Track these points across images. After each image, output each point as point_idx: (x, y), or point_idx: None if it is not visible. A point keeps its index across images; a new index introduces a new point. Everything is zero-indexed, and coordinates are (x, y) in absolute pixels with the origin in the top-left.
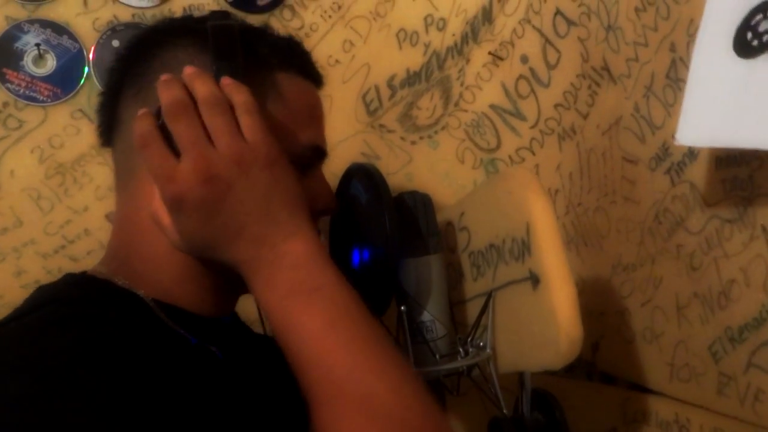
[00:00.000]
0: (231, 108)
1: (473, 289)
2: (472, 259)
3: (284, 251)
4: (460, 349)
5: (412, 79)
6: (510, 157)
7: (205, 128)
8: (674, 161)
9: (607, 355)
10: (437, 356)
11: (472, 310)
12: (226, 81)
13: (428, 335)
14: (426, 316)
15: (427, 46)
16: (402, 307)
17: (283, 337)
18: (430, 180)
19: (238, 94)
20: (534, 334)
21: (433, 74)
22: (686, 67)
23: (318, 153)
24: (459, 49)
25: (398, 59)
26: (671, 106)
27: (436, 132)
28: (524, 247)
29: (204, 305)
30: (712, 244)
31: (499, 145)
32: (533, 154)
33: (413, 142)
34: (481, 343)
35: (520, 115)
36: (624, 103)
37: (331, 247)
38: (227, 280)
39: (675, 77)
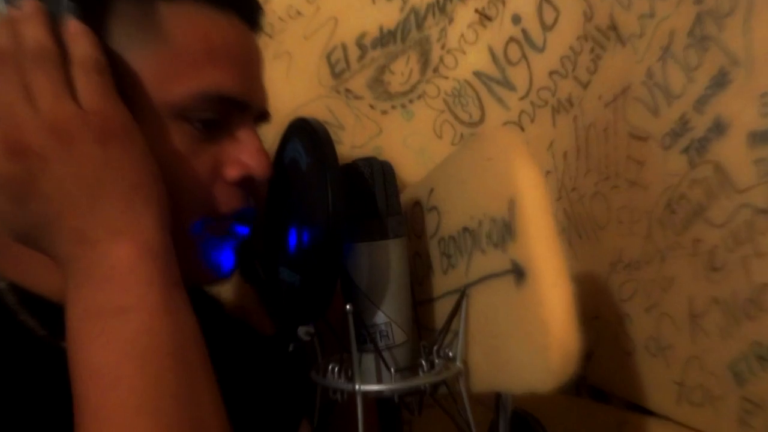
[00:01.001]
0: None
1: (443, 284)
2: (442, 247)
3: (103, 254)
4: (423, 362)
5: (385, 38)
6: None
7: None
8: (695, 137)
9: (600, 368)
10: (392, 370)
11: (441, 311)
12: (72, 26)
13: (382, 342)
14: (380, 318)
15: (404, 1)
16: (348, 306)
17: (71, 367)
18: (402, 156)
19: (77, 44)
20: (517, 344)
21: (410, 34)
22: (715, 22)
23: (226, 104)
24: (441, 6)
25: (371, 14)
26: (694, 70)
27: (411, 101)
28: (506, 231)
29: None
30: (740, 239)
31: (482, 119)
32: (522, 129)
33: (384, 112)
34: (450, 354)
35: (508, 84)
36: (634, 68)
37: (266, 228)
38: None
39: (700, 35)
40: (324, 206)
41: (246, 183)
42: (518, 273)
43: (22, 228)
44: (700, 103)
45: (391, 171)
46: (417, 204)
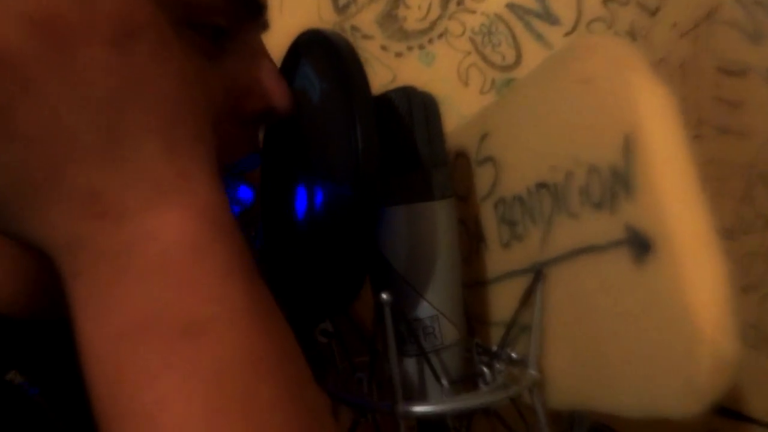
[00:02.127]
0: None
1: (503, 262)
2: (500, 212)
3: (142, 232)
4: (484, 369)
5: None
6: None
7: None
8: None
9: None
10: (443, 382)
11: (500, 298)
12: None
13: (428, 342)
14: (424, 310)
15: None
16: (383, 295)
17: (101, 419)
18: None
19: None
20: (634, 347)
21: None
22: None
23: (240, 1)
24: None
25: None
26: None
27: (430, 41)
28: (617, 183)
29: (10, 301)
30: None
31: (518, 61)
32: None
33: (398, 54)
34: (514, 355)
35: (550, 18)
36: None
37: (262, 185)
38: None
39: None
40: (349, 153)
41: (261, 120)
42: (638, 245)
43: None
44: None
45: (435, 107)
46: (461, 155)
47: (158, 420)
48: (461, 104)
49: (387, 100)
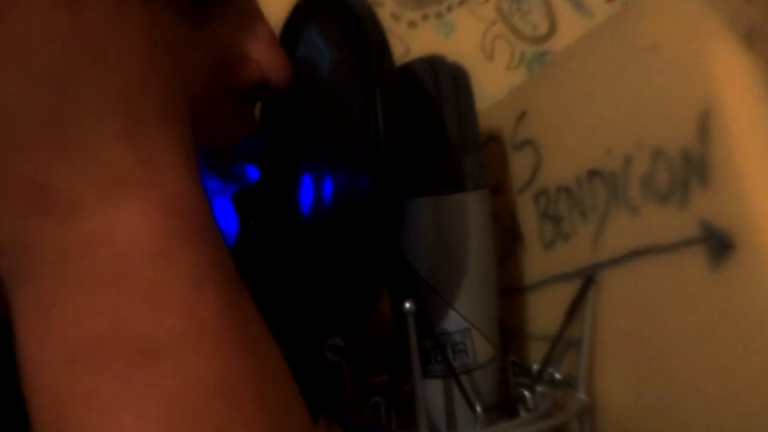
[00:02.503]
0: None
1: (545, 265)
2: (542, 206)
3: (93, 233)
4: (527, 394)
5: None
6: None
7: None
8: None
9: None
10: (477, 408)
11: (541, 308)
12: None
13: (458, 360)
14: (454, 322)
15: None
16: (406, 304)
17: None
18: None
19: None
20: (708, 367)
21: None
22: None
23: None
24: None
25: None
26: None
27: (449, 8)
28: (690, 170)
29: None
30: None
31: (552, 31)
32: None
33: (412, 24)
34: (558, 376)
35: None
36: None
37: (260, 174)
38: None
39: None
40: (367, 134)
41: (256, 95)
42: (715, 244)
43: None
44: None
45: (466, 80)
46: (494, 139)
47: None
48: (485, 82)
49: (409, 72)
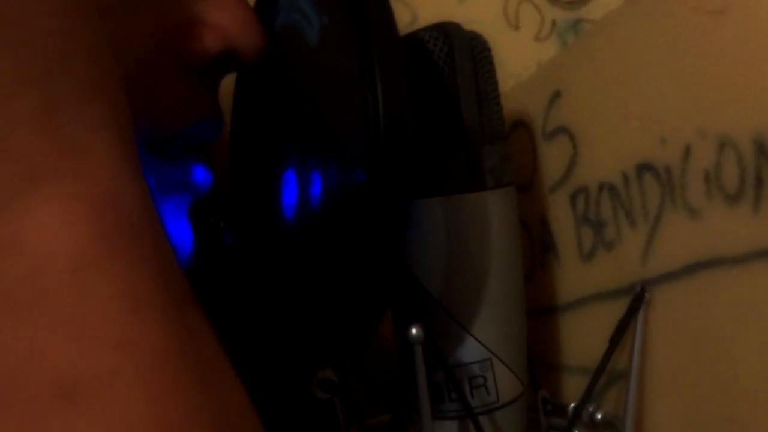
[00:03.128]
0: None
1: (583, 281)
2: (580, 208)
3: (6, 240)
4: None
5: None
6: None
7: None
8: None
9: None
10: None
11: (582, 333)
12: None
13: (478, 398)
14: (472, 351)
15: None
16: (413, 329)
17: None
18: None
19: None
20: None
21: None
22: None
23: None
24: None
25: None
26: None
27: None
28: (766, 165)
29: None
30: None
31: None
32: None
33: None
34: (599, 416)
35: None
36: None
37: (231, 167)
38: None
39: None
40: (364, 120)
41: (218, 68)
42: None
43: None
44: None
45: (488, 54)
46: (521, 126)
47: None
48: (509, 56)
49: (417, 43)
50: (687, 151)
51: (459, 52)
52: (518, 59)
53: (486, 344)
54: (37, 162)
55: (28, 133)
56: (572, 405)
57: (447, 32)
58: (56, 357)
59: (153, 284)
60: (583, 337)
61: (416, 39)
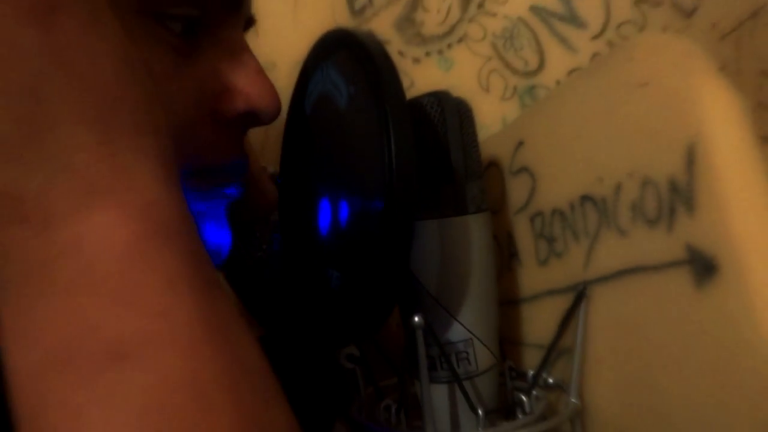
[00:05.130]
0: None
1: (539, 280)
2: (538, 227)
3: (67, 241)
4: (524, 398)
5: None
6: (559, 83)
7: None
8: None
9: None
10: (480, 412)
11: (535, 318)
12: None
13: (462, 368)
14: (458, 333)
15: None
16: (416, 318)
17: None
18: None
19: None
20: (693, 379)
21: None
22: None
23: None
24: None
25: None
26: None
27: (449, 46)
28: (677, 198)
29: None
30: None
31: (542, 66)
32: None
33: (416, 60)
34: (551, 381)
35: (576, 20)
36: None
37: (280, 196)
38: None
39: None
40: (382, 162)
41: (243, 123)
42: (701, 266)
43: None
44: None
45: (470, 113)
46: (493, 165)
47: None
48: (482, 112)
49: (418, 106)
50: (618, 187)
51: (449, 113)
52: (489, 115)
53: (468, 328)
54: (96, 180)
55: (89, 158)
56: (531, 372)
57: (440, 98)
58: (110, 325)
59: (185, 270)
60: (539, 322)
61: (418, 103)
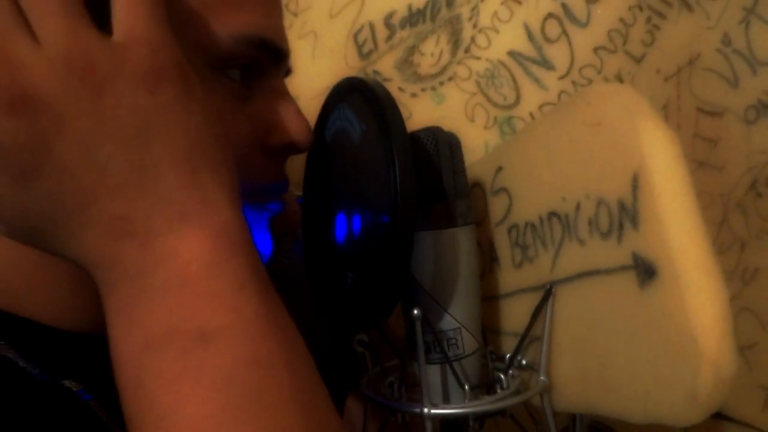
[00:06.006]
0: None
1: (514, 280)
2: (513, 237)
3: (166, 252)
4: (502, 376)
5: (414, 17)
6: (531, 114)
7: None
8: None
9: None
10: (466, 387)
11: (511, 311)
12: None
13: (452, 351)
14: (448, 323)
15: None
16: (415, 311)
17: (132, 417)
18: None
19: None
20: (637, 362)
21: (440, 12)
22: None
23: (265, 49)
24: None
25: None
26: None
27: (441, 83)
28: (624, 216)
29: (69, 316)
30: None
31: (518, 101)
32: None
33: (414, 95)
34: (524, 362)
35: (546, 63)
36: (704, 35)
37: (304, 212)
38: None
39: None
40: (388, 186)
41: (285, 152)
42: (643, 271)
43: (25, 218)
44: None
45: (458, 145)
46: (477, 186)
47: (173, 420)
48: (468, 138)
49: (417, 138)
50: (578, 206)
51: (441, 145)
52: (474, 141)
53: (457, 319)
54: (186, 207)
55: (182, 192)
56: (508, 355)
57: (434, 133)
58: (196, 317)
59: (250, 276)
60: (514, 315)
61: (416, 137)
